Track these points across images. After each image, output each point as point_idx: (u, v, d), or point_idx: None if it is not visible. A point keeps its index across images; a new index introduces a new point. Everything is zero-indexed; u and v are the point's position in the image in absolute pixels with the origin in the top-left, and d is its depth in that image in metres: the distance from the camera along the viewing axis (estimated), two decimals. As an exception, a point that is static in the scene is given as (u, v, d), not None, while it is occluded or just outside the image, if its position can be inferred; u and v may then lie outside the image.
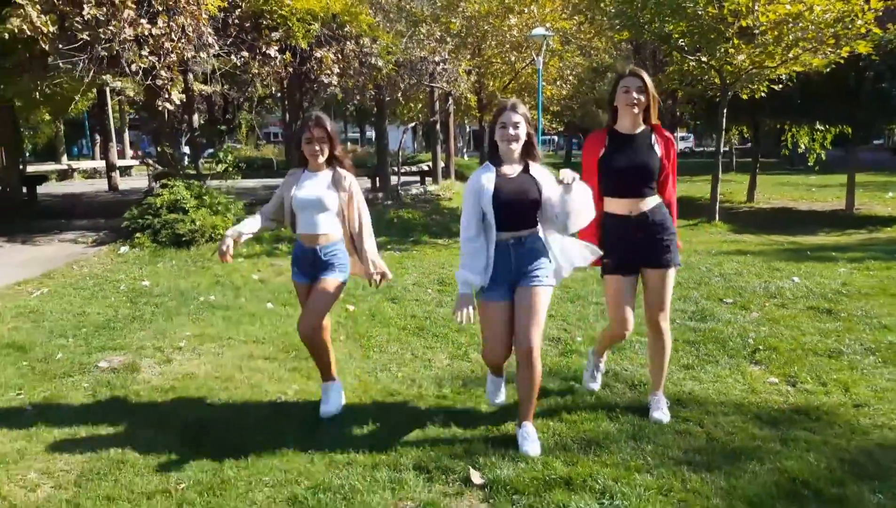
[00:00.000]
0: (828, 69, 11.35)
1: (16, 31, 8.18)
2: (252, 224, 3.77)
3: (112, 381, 4.41)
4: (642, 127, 3.58)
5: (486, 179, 3.33)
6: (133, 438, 3.59)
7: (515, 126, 3.29)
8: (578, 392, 4.06)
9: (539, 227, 3.42)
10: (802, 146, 16.43)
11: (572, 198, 3.20)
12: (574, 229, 3.34)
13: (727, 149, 28.59)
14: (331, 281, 3.69)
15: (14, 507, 2.94)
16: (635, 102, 3.46)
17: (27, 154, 22.91)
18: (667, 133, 3.61)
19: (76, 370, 4.65)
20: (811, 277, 7.12)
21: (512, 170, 3.36)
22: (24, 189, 13.11)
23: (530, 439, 3.35)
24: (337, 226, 3.74)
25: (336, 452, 3.36)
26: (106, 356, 4.90)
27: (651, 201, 3.57)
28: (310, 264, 3.74)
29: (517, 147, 3.33)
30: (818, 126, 15.28)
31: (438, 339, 5.24)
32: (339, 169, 3.73)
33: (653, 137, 3.56)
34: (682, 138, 51.07)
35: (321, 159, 3.68)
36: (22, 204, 12.53)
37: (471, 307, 3.30)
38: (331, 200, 3.67)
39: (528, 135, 3.34)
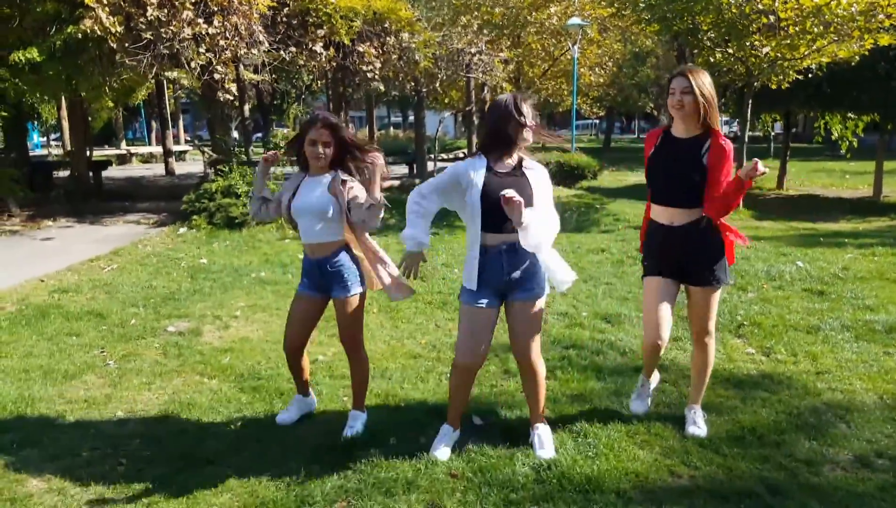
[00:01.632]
0: (855, 60, 11.62)
1: (88, 31, 9.05)
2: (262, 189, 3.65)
3: (180, 342, 5.20)
4: (697, 133, 3.29)
5: (476, 174, 3.14)
6: (199, 386, 4.36)
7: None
8: (573, 359, 4.70)
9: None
10: (836, 134, 16.59)
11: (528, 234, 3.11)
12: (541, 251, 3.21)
13: (764, 135, 28.52)
14: (349, 301, 3.51)
15: (105, 438, 3.71)
16: (680, 103, 3.24)
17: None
18: (724, 141, 3.24)
19: (148, 334, 5.45)
20: (815, 261, 7.59)
21: (505, 166, 3.19)
22: (91, 174, 14.16)
23: (545, 443, 3.41)
24: (338, 232, 3.48)
25: (366, 398, 4.07)
26: (173, 323, 5.70)
27: (691, 214, 3.35)
28: (318, 276, 3.53)
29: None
30: (850, 114, 15.46)
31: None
32: (341, 172, 3.44)
33: (706, 144, 3.25)
34: (726, 123, 50.58)
35: (322, 164, 3.41)
36: (89, 188, 13.58)
37: (418, 264, 3.32)
38: (329, 205, 3.39)
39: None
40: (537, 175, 3.24)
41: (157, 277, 7.42)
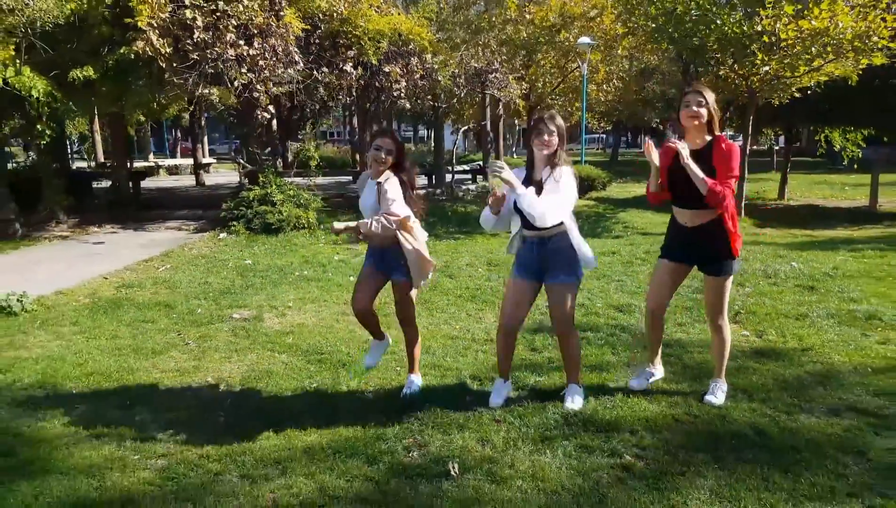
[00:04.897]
0: (854, 79, 12.34)
1: (139, 52, 9.89)
2: None
3: (246, 327, 5.96)
4: (706, 141, 3.92)
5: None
6: (272, 359, 5.11)
7: (551, 133, 3.84)
8: (591, 339, 5.44)
9: (566, 226, 3.90)
10: (837, 146, 17.31)
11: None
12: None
13: (768, 149, 29.31)
14: (405, 284, 4.21)
15: (201, 398, 4.45)
16: (697, 114, 3.86)
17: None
18: (727, 143, 3.86)
19: (216, 320, 6.21)
20: (808, 262, 8.30)
21: (540, 176, 3.90)
22: (130, 184, 15.01)
23: (575, 396, 4.14)
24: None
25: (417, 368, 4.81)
26: (236, 311, 6.46)
27: (706, 214, 3.93)
28: (380, 260, 4.25)
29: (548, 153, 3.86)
30: (849, 127, 16.20)
31: (487, 304, 6.65)
32: (391, 175, 4.07)
33: (712, 149, 3.87)
34: (732, 137, 51.43)
35: (382, 168, 4.05)
36: (130, 197, 14.42)
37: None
38: (377, 208, 4.04)
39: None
40: (551, 184, 3.85)
41: (210, 274, 8.19)
